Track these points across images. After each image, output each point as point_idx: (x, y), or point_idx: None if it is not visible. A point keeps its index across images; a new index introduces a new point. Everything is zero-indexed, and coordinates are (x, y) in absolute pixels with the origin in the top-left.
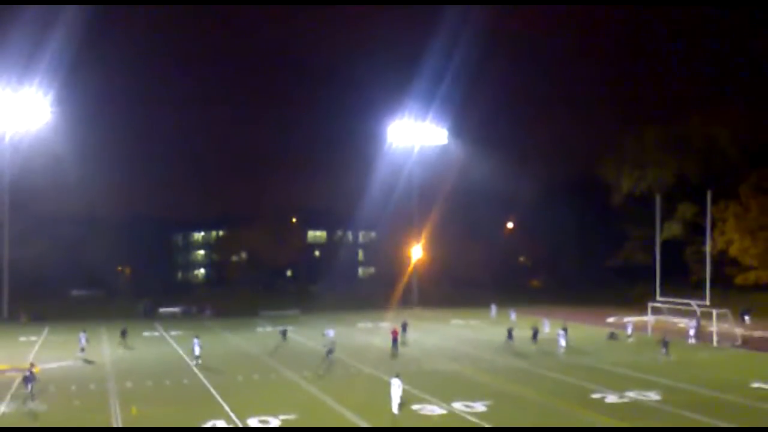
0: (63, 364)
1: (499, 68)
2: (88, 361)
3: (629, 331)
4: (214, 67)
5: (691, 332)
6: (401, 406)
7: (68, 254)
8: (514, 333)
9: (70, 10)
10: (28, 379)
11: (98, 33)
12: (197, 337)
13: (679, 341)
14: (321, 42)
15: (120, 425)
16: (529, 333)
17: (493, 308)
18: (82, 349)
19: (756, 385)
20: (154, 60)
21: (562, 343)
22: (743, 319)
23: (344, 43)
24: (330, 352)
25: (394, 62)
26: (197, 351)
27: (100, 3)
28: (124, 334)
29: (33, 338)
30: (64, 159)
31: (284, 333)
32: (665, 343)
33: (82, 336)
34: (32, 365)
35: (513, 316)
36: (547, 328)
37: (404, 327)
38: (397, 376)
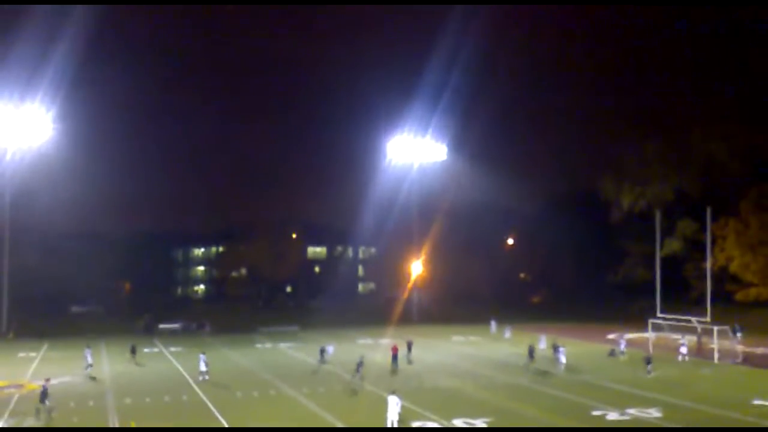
0: (62, 380)
1: (498, 84)
2: (93, 378)
3: (622, 347)
4: (215, 83)
5: (683, 350)
6: (399, 422)
7: (68, 270)
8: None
9: (72, 26)
10: (44, 393)
11: (100, 49)
12: (203, 353)
13: (675, 359)
14: (321, 58)
15: None
16: (526, 350)
17: (493, 324)
18: (88, 366)
19: (758, 402)
20: (155, 76)
21: (562, 360)
22: (735, 336)
23: (344, 59)
24: (360, 365)
25: (393, 78)
26: (203, 367)
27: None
28: (134, 351)
29: (32, 354)
30: (65, 175)
31: (323, 352)
32: (648, 360)
33: (88, 352)
34: (47, 380)
35: (507, 333)
36: (543, 344)
37: (409, 346)
38: (394, 392)
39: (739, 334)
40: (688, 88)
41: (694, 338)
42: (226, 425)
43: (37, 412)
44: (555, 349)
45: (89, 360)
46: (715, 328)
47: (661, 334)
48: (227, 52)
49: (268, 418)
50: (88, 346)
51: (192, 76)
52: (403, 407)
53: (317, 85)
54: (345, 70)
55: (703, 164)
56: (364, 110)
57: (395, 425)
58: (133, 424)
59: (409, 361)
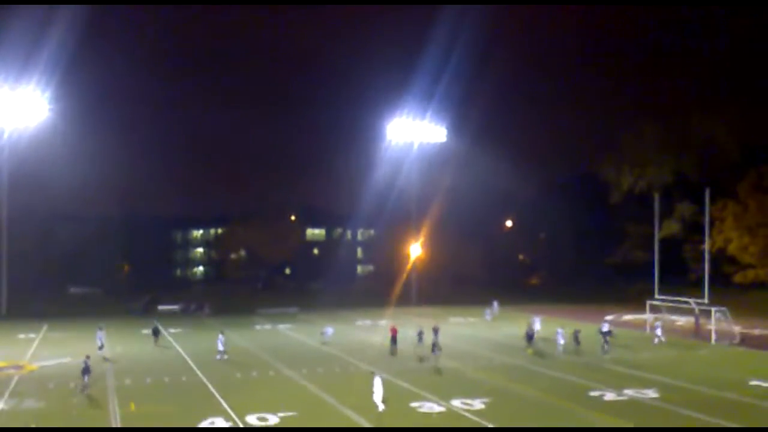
0: (61, 361)
1: (498, 66)
2: (106, 359)
3: (605, 328)
4: (214, 66)
5: (658, 332)
6: (384, 401)
7: (66, 251)
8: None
9: (69, 7)
10: (85, 370)
11: (96, 29)
12: (222, 333)
13: (677, 340)
14: (320, 41)
15: (119, 422)
16: (521, 332)
17: (495, 305)
18: (101, 347)
19: (754, 382)
20: (153, 59)
21: (561, 341)
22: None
23: (344, 41)
24: (421, 334)
25: (393, 60)
26: (221, 346)
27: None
28: (156, 333)
29: (32, 335)
30: (62, 156)
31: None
32: (606, 336)
33: (100, 334)
34: (87, 357)
35: (493, 309)
36: (538, 326)
37: (436, 332)
38: (374, 373)
39: (719, 315)
40: (687, 71)
41: (674, 319)
42: (226, 406)
43: (76, 386)
44: (575, 336)
45: (101, 341)
46: (713, 310)
47: (659, 315)
48: (225, 37)
49: (267, 398)
50: (101, 328)
51: (190, 60)
52: (402, 388)
53: (316, 68)
54: (344, 53)
55: (702, 147)
56: (364, 92)
57: (380, 406)
58: (132, 406)
59: (438, 347)
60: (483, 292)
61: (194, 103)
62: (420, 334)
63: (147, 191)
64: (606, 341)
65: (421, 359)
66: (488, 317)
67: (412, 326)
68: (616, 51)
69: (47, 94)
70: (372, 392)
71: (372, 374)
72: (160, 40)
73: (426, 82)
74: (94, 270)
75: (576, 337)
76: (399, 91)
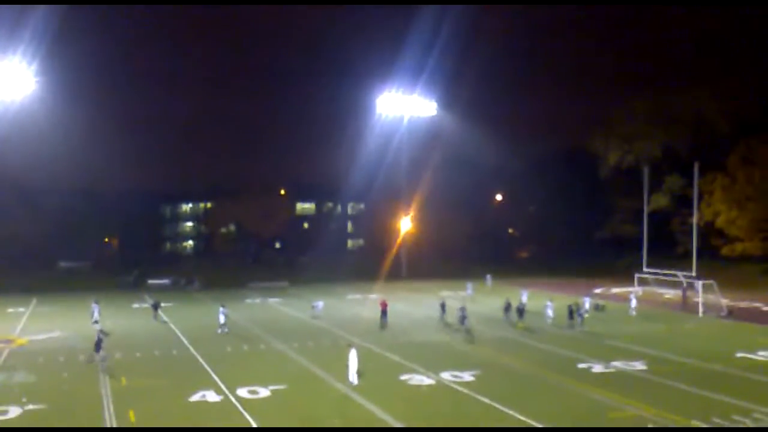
0: (51, 335)
1: (488, 40)
2: (104, 332)
3: (587, 306)
4: (202, 40)
5: (632, 303)
6: (359, 375)
7: (55, 226)
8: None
9: None
10: (99, 343)
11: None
12: (223, 306)
13: (665, 312)
14: (309, 14)
15: (110, 396)
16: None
17: (489, 279)
18: (96, 321)
19: (741, 354)
20: (141, 32)
21: (550, 314)
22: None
23: (334, 15)
24: (463, 310)
25: (383, 34)
26: (222, 319)
27: None
28: (156, 307)
29: (21, 309)
30: (49, 130)
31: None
32: (521, 311)
33: (95, 307)
34: (101, 330)
35: (469, 290)
36: (524, 298)
37: (463, 313)
38: (351, 346)
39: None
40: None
41: (662, 292)
42: (216, 379)
43: (91, 360)
44: (569, 310)
45: (96, 315)
46: (701, 283)
47: (647, 288)
48: (215, 11)
49: (257, 371)
50: (96, 302)
51: (180, 33)
52: (392, 360)
53: (306, 42)
54: (334, 27)
55: (691, 121)
56: (354, 66)
57: (355, 380)
58: (123, 380)
59: (468, 330)
60: (473, 266)
61: (184, 76)
62: (462, 310)
63: (136, 165)
64: (580, 315)
65: (466, 333)
66: (469, 292)
67: (436, 300)
68: (606, 25)
69: (33, 67)
70: (347, 364)
71: (348, 347)
72: (148, 13)
73: (416, 56)
74: (84, 244)
75: (571, 312)
76: (389, 64)
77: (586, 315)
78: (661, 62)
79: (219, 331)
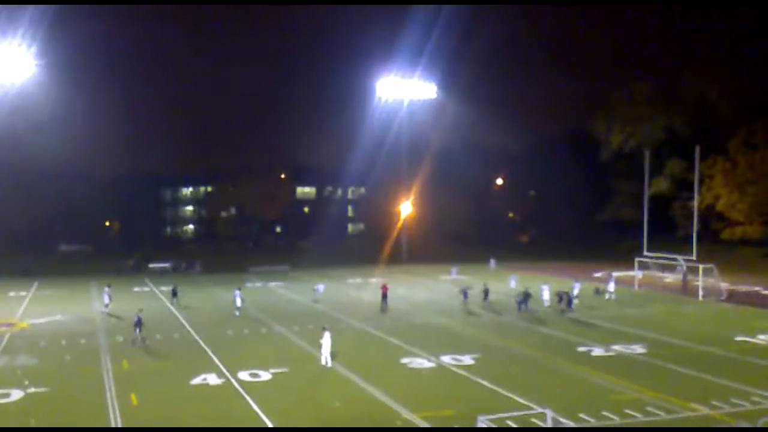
0: (52, 318)
1: (489, 23)
2: (114, 316)
3: (575, 292)
4: (203, 23)
5: (611, 287)
6: (332, 357)
7: (56, 209)
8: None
9: None
10: (139, 322)
11: None
12: (239, 288)
13: (665, 296)
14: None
15: (111, 379)
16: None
17: (492, 262)
18: (107, 305)
19: (740, 338)
20: (141, 14)
21: (546, 298)
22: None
23: None
24: (527, 298)
25: (383, 18)
26: (239, 302)
27: None
28: (174, 293)
29: (22, 293)
30: (50, 114)
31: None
32: (561, 297)
33: (107, 291)
34: (141, 310)
35: (490, 266)
36: (513, 284)
37: (486, 293)
38: (325, 329)
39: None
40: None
41: (662, 275)
42: (218, 362)
43: (133, 341)
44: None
45: (107, 299)
46: (701, 266)
47: (647, 272)
48: None
49: (259, 355)
50: (109, 285)
51: (181, 16)
52: (392, 344)
53: (306, 25)
54: (334, 10)
55: (693, 104)
56: (353, 50)
57: (328, 362)
58: (125, 363)
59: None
60: (473, 250)
61: (184, 60)
62: (485, 292)
63: (136, 149)
64: (570, 300)
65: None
66: (453, 275)
67: (454, 285)
68: (608, 7)
69: (33, 50)
70: (320, 345)
71: (323, 329)
72: None
73: (416, 39)
74: (84, 228)
75: (560, 297)
76: (389, 48)
77: (576, 301)
78: (663, 45)
79: (237, 313)
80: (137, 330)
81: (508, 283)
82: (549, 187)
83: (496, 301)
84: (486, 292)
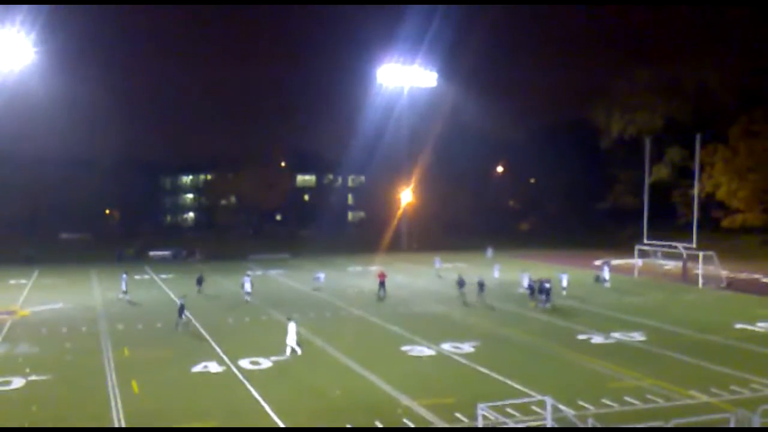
0: (53, 306)
1: (489, 11)
2: (132, 303)
3: (564, 283)
4: (203, 11)
5: (605, 275)
6: (299, 345)
7: (56, 197)
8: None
9: None
10: (182, 308)
11: None
12: (248, 275)
13: (665, 283)
14: None
15: (112, 367)
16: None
17: (489, 251)
18: (125, 291)
19: (739, 325)
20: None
21: (546, 286)
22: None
23: None
24: (482, 285)
25: (384, 5)
26: (248, 288)
27: None
28: (200, 281)
29: (23, 281)
30: (49, 101)
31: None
32: (543, 289)
33: (124, 277)
34: (184, 296)
35: (487, 255)
36: (497, 273)
37: (481, 285)
38: (291, 319)
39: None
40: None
41: (662, 263)
42: (219, 350)
43: (176, 325)
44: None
45: (124, 286)
46: (701, 254)
47: (647, 260)
48: None
49: (259, 343)
50: (126, 272)
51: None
52: (392, 332)
53: (307, 12)
54: None
55: (693, 92)
56: (354, 37)
57: (297, 350)
58: (126, 351)
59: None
60: (473, 238)
61: (184, 47)
62: (480, 284)
63: (136, 136)
64: (543, 291)
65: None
66: (438, 264)
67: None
68: None
69: (32, 36)
70: (286, 334)
71: (288, 320)
72: None
73: (417, 27)
74: (84, 216)
75: (534, 289)
76: (389, 35)
77: (564, 293)
78: (663, 32)
79: (248, 299)
80: (181, 315)
81: (492, 273)
82: (549, 175)
83: (492, 292)
84: (481, 285)
